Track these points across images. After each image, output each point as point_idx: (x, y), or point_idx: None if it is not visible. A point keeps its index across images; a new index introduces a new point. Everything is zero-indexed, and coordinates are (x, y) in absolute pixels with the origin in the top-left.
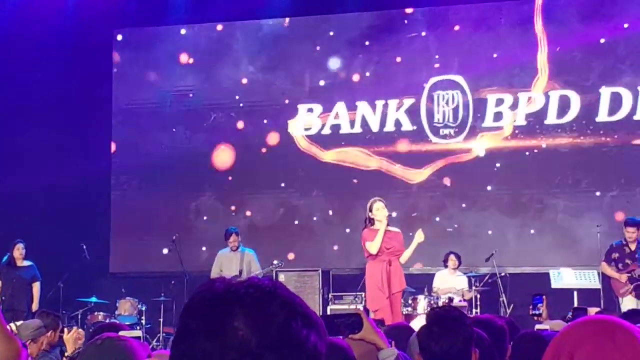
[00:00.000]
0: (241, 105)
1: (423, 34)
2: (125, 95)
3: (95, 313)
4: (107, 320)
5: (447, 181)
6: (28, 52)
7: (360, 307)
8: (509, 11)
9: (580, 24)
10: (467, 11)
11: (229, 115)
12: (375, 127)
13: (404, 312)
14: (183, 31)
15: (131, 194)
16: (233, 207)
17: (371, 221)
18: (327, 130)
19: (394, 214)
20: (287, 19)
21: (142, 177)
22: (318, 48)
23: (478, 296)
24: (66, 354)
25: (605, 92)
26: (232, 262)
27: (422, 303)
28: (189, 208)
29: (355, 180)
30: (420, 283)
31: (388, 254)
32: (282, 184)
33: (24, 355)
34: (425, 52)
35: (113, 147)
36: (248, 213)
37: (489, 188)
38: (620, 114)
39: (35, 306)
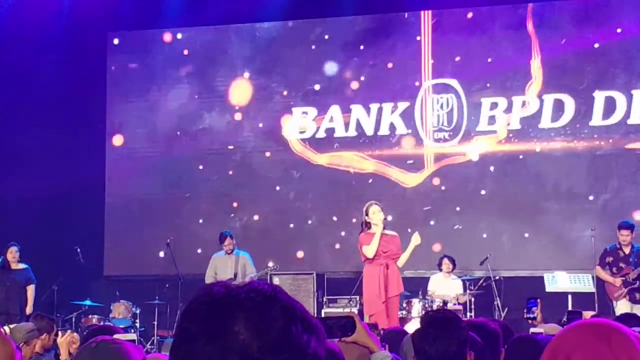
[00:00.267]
0: (237, 108)
1: (418, 37)
2: (120, 98)
3: (90, 316)
4: (102, 323)
5: (441, 185)
6: (23, 54)
7: (355, 310)
8: (503, 15)
9: (574, 28)
10: (462, 15)
11: (224, 117)
12: (369, 130)
13: (398, 316)
14: (179, 35)
15: (125, 197)
16: (228, 210)
17: (368, 225)
18: (321, 134)
19: (389, 218)
20: (282, 23)
21: (137, 179)
22: (313, 51)
23: (472, 300)
24: (60, 358)
25: (599, 96)
26: (227, 265)
27: (417, 306)
28: (184, 211)
29: (350, 183)
30: (415, 286)
31: (385, 257)
32: (277, 187)
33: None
34: (419, 55)
35: (108, 150)
36: (243, 216)
37: (483, 192)
38: (614, 118)
39: (29, 309)
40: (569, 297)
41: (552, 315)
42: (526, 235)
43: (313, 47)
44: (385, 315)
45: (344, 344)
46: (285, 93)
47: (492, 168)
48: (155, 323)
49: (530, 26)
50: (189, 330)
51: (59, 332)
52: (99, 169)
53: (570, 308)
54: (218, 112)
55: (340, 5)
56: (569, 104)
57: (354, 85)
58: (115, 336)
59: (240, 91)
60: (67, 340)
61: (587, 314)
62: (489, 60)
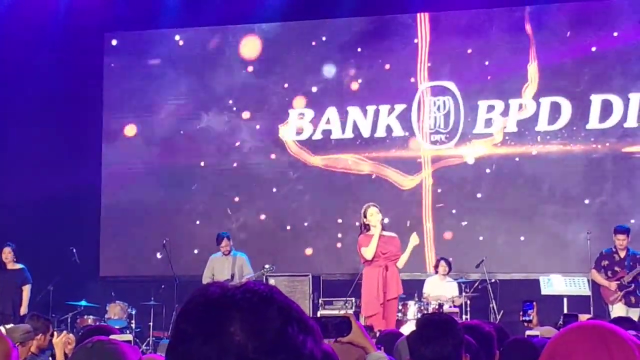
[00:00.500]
0: (234, 109)
1: (415, 40)
2: (117, 99)
3: (85, 317)
4: (97, 324)
5: (437, 187)
6: (19, 55)
7: (351, 312)
8: (500, 18)
9: (571, 31)
10: (459, 18)
11: (221, 118)
12: (366, 132)
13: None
14: (177, 37)
15: (122, 198)
16: (225, 211)
17: (366, 227)
18: (318, 135)
19: (385, 220)
20: (280, 24)
21: (134, 180)
22: (310, 53)
23: (468, 302)
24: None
25: (596, 100)
26: (224, 267)
27: (412, 309)
28: (181, 212)
29: (346, 185)
30: (410, 289)
31: (384, 259)
32: (274, 189)
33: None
34: (417, 58)
35: (104, 150)
36: (239, 217)
37: (479, 194)
38: (611, 121)
39: (23, 310)
40: (565, 300)
41: (547, 318)
42: (522, 238)
43: (310, 48)
44: (383, 318)
45: (339, 345)
46: (282, 94)
47: (488, 171)
48: (151, 324)
49: (527, 29)
50: (185, 331)
51: (55, 333)
52: (96, 170)
53: (565, 311)
54: (216, 113)
55: (338, 7)
56: (566, 107)
57: (351, 87)
58: (111, 337)
59: (238, 92)
60: (62, 341)
61: (583, 317)
62: (486, 63)
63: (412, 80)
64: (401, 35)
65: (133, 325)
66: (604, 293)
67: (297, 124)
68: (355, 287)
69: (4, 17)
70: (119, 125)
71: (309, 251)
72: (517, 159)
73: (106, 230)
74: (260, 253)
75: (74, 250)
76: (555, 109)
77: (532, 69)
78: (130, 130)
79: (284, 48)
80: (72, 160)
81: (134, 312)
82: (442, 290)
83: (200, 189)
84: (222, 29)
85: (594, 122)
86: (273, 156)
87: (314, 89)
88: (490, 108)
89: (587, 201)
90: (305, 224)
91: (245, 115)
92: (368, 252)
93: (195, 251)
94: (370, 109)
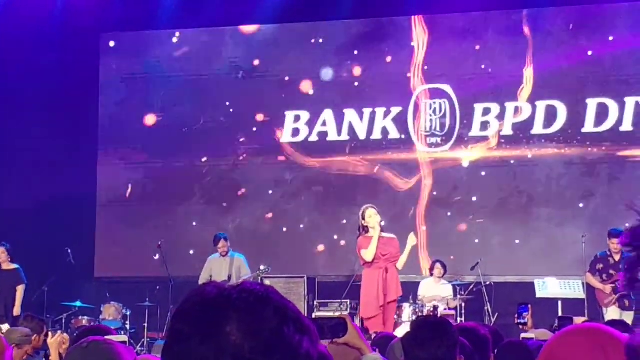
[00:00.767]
0: (231, 110)
1: (412, 43)
2: (114, 99)
3: (80, 317)
4: (92, 324)
5: (433, 189)
6: (14, 56)
7: (346, 313)
8: (496, 21)
9: (567, 35)
10: (455, 21)
11: (218, 120)
12: (362, 134)
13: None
14: (175, 39)
15: (117, 198)
16: (221, 213)
17: (365, 229)
18: (314, 137)
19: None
20: (277, 26)
21: (129, 181)
22: (307, 55)
23: (463, 305)
24: (50, 359)
25: (592, 103)
26: (221, 268)
27: (407, 311)
28: (177, 213)
29: (342, 187)
30: (405, 291)
31: (385, 260)
32: (270, 191)
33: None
34: (413, 60)
35: (100, 151)
36: (236, 219)
37: (474, 198)
38: (607, 125)
39: (17, 310)
40: (559, 303)
41: (542, 321)
42: (517, 241)
43: (307, 50)
44: (382, 320)
45: (335, 346)
46: (278, 96)
47: (483, 173)
48: (146, 325)
49: (524, 33)
50: (181, 331)
51: (49, 333)
52: (91, 171)
53: (560, 314)
54: (212, 115)
55: (335, 9)
56: (562, 110)
57: (348, 89)
58: (106, 337)
59: (234, 94)
60: (57, 341)
61: (578, 320)
62: (482, 66)
63: (409, 83)
64: (398, 38)
65: (128, 326)
66: (599, 296)
67: (293, 126)
68: (350, 289)
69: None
70: (115, 126)
71: (304, 253)
72: (512, 162)
73: (101, 231)
74: (256, 254)
75: (69, 251)
76: (551, 113)
77: (528, 72)
78: (126, 131)
79: (280, 50)
80: (68, 161)
81: (128, 313)
82: (437, 292)
83: (197, 190)
84: (220, 31)
85: (589, 126)
86: (269, 158)
87: (311, 92)
88: (487, 111)
89: (581, 205)
90: (301, 226)
91: (242, 116)
92: (368, 254)
93: (191, 252)
94: (367, 111)
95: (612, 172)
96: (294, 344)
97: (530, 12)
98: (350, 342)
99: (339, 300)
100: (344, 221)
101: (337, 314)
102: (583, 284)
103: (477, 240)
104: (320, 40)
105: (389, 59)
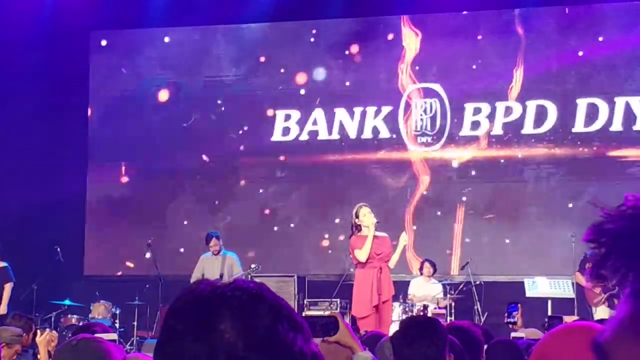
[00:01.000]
0: (222, 109)
1: (402, 42)
2: (103, 99)
3: (69, 316)
4: (81, 323)
5: (422, 188)
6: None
7: (337, 312)
8: (487, 21)
9: (558, 35)
10: (446, 20)
11: (209, 118)
12: (352, 134)
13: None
14: (167, 39)
15: (107, 197)
16: (212, 212)
17: (358, 228)
18: (305, 136)
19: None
20: (268, 24)
21: (118, 179)
22: (298, 54)
23: (452, 304)
24: (39, 357)
25: (582, 103)
26: (213, 266)
27: (397, 310)
28: (167, 211)
29: (332, 186)
30: (396, 290)
31: (378, 260)
32: (261, 190)
33: None
34: (404, 60)
35: (90, 149)
36: (227, 217)
37: (464, 197)
38: (596, 125)
39: (3, 308)
40: (549, 302)
41: (532, 320)
42: (507, 240)
43: (298, 50)
44: (376, 320)
45: (326, 344)
46: (269, 95)
47: (474, 173)
48: (135, 324)
49: (515, 32)
50: (174, 329)
51: (38, 331)
52: (81, 168)
53: (550, 313)
54: (203, 113)
55: (327, 8)
56: (552, 110)
57: (338, 88)
58: (96, 335)
59: (226, 93)
60: (45, 339)
61: (569, 319)
62: (473, 66)
63: (399, 82)
64: (389, 37)
65: (117, 325)
66: (588, 295)
67: (283, 125)
68: (340, 288)
69: None
70: (104, 125)
71: (294, 252)
72: (502, 161)
73: (91, 229)
74: (246, 253)
75: (59, 249)
76: (542, 113)
77: (519, 72)
78: (117, 129)
79: (271, 49)
80: (58, 160)
81: (118, 312)
82: (426, 291)
83: (187, 188)
84: (211, 29)
85: (579, 126)
86: (260, 157)
87: (302, 91)
88: (477, 110)
89: (571, 205)
90: (292, 225)
91: (233, 115)
92: (362, 253)
93: (181, 250)
94: (357, 110)
95: (601, 171)
96: (288, 342)
97: (521, 12)
98: (341, 340)
99: (329, 299)
100: (335, 220)
101: (327, 312)
102: (573, 283)
103: (467, 240)
104: (311, 40)
105: (379, 58)
